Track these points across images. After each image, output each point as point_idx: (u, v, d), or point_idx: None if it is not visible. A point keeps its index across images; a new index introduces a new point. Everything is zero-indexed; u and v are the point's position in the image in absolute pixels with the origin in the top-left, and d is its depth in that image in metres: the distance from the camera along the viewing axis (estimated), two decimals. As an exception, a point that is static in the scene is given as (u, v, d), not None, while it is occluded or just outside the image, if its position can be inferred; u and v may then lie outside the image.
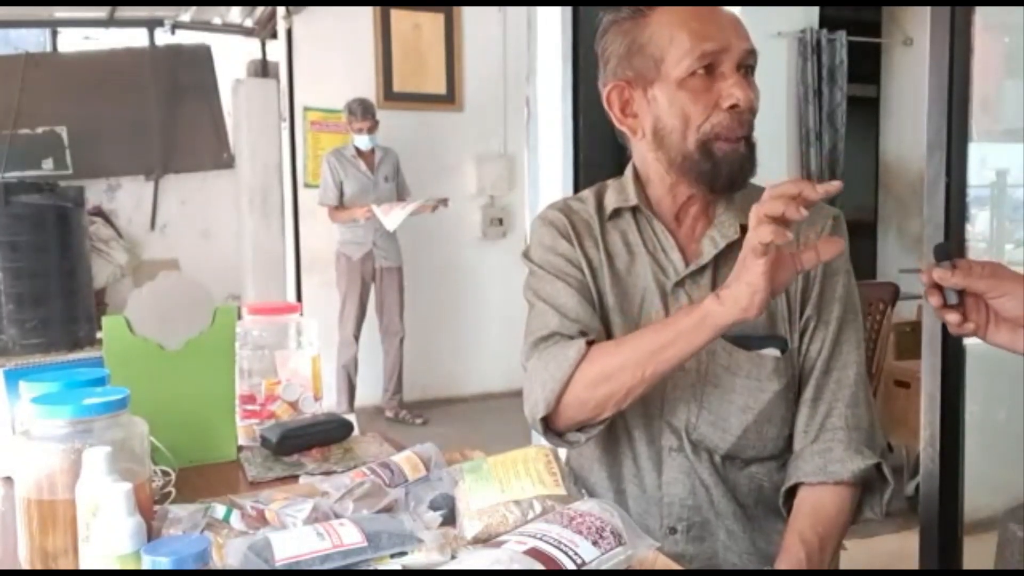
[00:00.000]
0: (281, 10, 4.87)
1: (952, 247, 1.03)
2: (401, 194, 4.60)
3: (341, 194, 4.52)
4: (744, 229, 1.14)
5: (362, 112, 4.48)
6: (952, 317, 1.00)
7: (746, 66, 1.11)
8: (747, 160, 1.12)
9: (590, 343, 1.10)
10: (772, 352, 1.14)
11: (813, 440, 1.15)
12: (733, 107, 1.08)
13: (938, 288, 1.00)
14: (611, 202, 1.22)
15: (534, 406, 1.12)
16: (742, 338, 1.14)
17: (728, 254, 1.16)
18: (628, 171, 1.23)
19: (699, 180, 1.13)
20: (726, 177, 1.11)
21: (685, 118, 1.10)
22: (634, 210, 1.20)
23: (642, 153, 1.19)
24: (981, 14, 1.56)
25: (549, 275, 1.20)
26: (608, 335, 1.18)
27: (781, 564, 1.07)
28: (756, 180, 1.22)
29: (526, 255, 1.25)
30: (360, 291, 4.56)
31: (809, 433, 1.16)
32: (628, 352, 1.07)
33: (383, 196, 4.49)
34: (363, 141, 4.51)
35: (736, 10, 1.14)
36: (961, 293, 1.00)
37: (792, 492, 1.15)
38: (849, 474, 1.11)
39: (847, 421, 1.14)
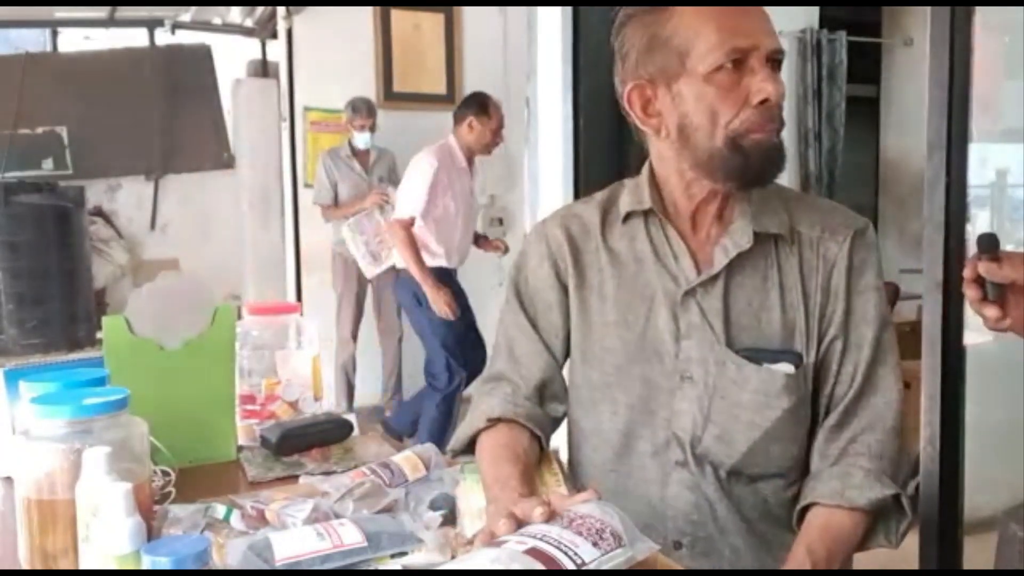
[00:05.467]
0: (281, 10, 4.86)
1: (997, 239, 0.98)
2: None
3: (336, 194, 4.52)
4: (758, 237, 1.11)
5: (367, 109, 4.50)
6: (991, 312, 0.96)
7: (774, 61, 1.06)
8: (778, 151, 1.07)
9: (498, 419, 1.14)
10: (784, 368, 1.10)
11: (833, 463, 1.11)
12: (763, 102, 1.03)
13: (977, 282, 0.97)
14: (625, 204, 1.18)
15: (452, 439, 1.20)
16: (754, 350, 1.11)
17: (740, 263, 1.12)
18: (644, 171, 1.18)
19: (728, 177, 1.07)
20: (758, 168, 1.06)
21: (713, 114, 1.05)
22: (647, 214, 1.17)
23: (662, 153, 1.14)
24: (981, 14, 1.56)
25: (515, 307, 1.24)
26: (608, 352, 1.17)
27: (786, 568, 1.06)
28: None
29: (511, 276, 1.27)
30: (356, 291, 4.57)
31: (829, 456, 1.12)
32: (487, 468, 1.08)
33: None
34: (364, 139, 4.51)
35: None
36: (1002, 287, 0.96)
37: (805, 511, 1.12)
38: (866, 501, 1.07)
39: (871, 449, 1.10)
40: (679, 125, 1.08)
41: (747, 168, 1.06)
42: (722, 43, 1.03)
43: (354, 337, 4.59)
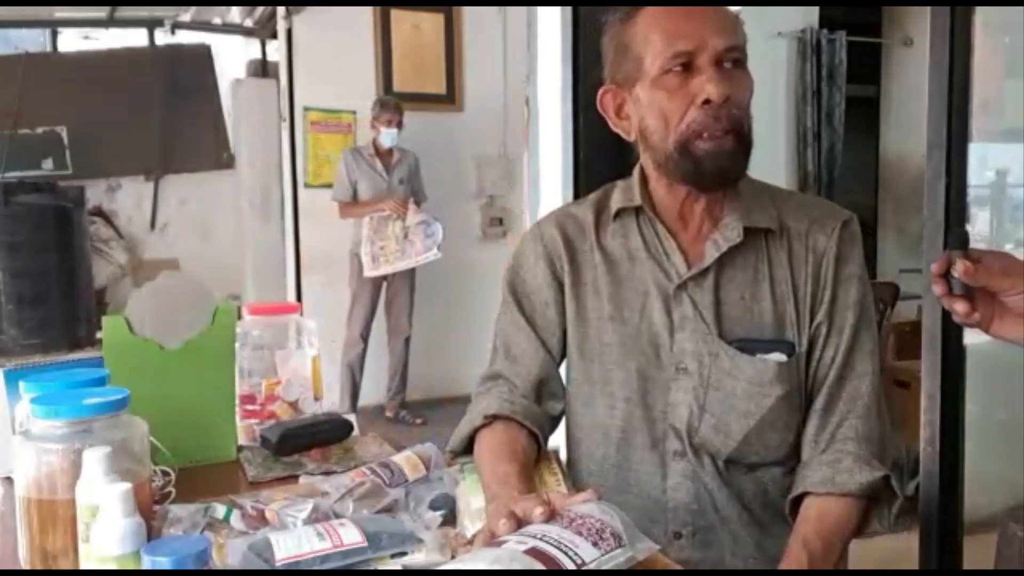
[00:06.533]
0: (281, 10, 4.86)
1: (967, 235, 1.00)
2: (417, 197, 4.56)
3: (355, 193, 4.51)
4: (748, 231, 1.14)
5: (394, 106, 4.50)
6: (960, 306, 0.98)
7: (731, 60, 1.08)
8: (734, 155, 1.08)
9: (495, 416, 1.14)
10: (776, 357, 1.13)
11: (823, 451, 1.13)
12: (707, 102, 1.06)
13: (943, 277, 0.98)
14: (616, 202, 1.21)
15: (451, 439, 1.20)
16: (747, 341, 1.13)
17: (731, 257, 1.14)
18: (635, 171, 1.22)
19: (684, 180, 1.12)
20: (711, 175, 1.09)
21: (663, 117, 1.09)
22: (638, 211, 1.20)
23: (642, 154, 1.19)
24: (981, 14, 1.56)
25: (512, 306, 1.25)
26: (605, 347, 1.18)
27: (783, 567, 1.06)
28: (763, 179, 1.21)
29: (506, 276, 1.28)
30: (371, 292, 4.55)
31: (819, 443, 1.14)
32: (485, 467, 1.08)
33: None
34: (390, 136, 4.47)
35: (735, 10, 1.13)
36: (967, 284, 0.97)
37: (799, 501, 1.13)
38: (856, 486, 1.09)
39: (858, 432, 1.13)
40: (640, 128, 1.14)
41: (698, 173, 1.10)
42: (666, 48, 1.07)
43: (364, 337, 4.58)
